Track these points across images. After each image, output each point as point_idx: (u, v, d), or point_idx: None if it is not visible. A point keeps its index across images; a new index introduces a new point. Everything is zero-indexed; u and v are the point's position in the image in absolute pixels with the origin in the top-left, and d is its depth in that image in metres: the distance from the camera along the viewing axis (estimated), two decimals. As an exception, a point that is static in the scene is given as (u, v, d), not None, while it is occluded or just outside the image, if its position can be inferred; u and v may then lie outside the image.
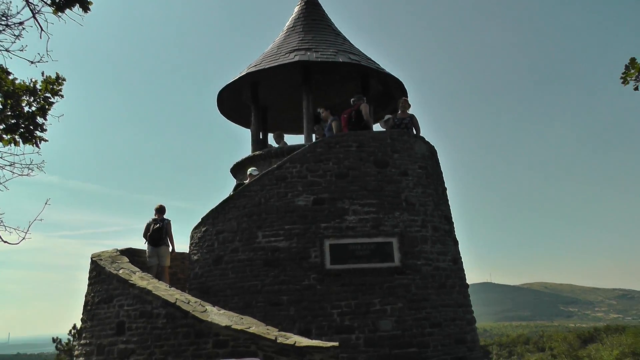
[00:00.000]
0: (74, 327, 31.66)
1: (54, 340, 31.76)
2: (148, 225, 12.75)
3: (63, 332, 34.99)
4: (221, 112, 16.28)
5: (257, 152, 14.26)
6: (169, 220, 13.05)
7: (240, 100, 15.73)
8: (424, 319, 11.15)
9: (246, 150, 15.23)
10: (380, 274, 11.15)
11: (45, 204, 7.51)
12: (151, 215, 13.14)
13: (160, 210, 13.13)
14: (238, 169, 14.81)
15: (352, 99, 13.06)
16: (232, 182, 15.44)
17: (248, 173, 12.83)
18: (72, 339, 31.26)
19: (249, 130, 15.65)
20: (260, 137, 15.48)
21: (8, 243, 6.40)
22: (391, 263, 11.30)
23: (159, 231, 12.69)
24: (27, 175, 7.91)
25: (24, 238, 7.15)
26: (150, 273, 11.52)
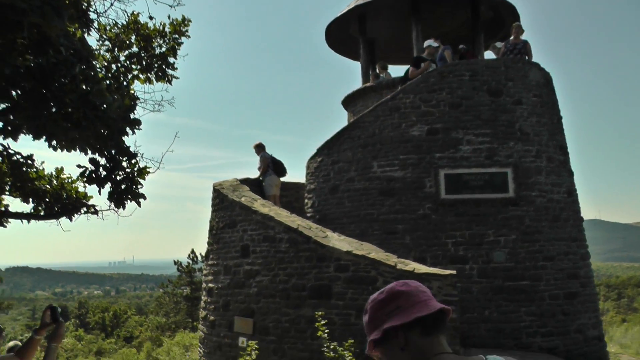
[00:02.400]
0: (192, 251, 33.96)
1: (175, 262, 34.19)
2: (268, 158, 13.20)
3: (181, 255, 37.50)
4: (329, 46, 16.32)
5: (367, 84, 14.29)
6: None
7: (348, 33, 15.66)
8: (537, 251, 11.02)
9: (356, 83, 15.30)
10: (494, 205, 11.07)
11: (175, 136, 7.94)
12: (250, 149, 13.67)
13: (259, 147, 13.60)
14: (349, 102, 14.94)
15: (460, 46, 12.96)
16: (343, 115, 15.62)
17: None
18: (190, 262, 33.63)
19: (359, 63, 15.64)
20: (370, 69, 15.45)
21: (149, 172, 6.92)
22: (505, 194, 11.18)
23: (282, 163, 13.25)
24: (158, 111, 8.37)
25: (158, 168, 7.63)
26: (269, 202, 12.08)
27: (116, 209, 7.65)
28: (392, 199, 11.36)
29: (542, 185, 11.46)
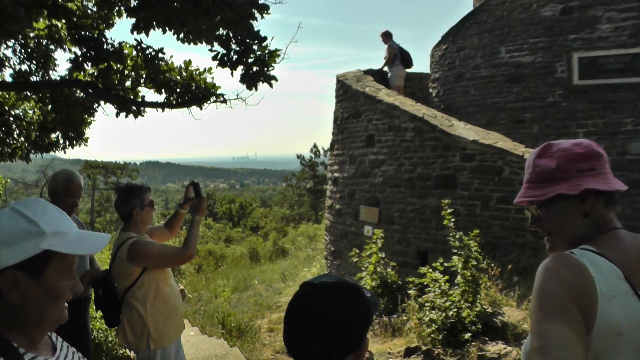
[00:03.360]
0: (314, 146, 34.90)
1: (298, 156, 35.34)
2: (395, 48, 12.77)
3: (303, 150, 38.74)
4: None
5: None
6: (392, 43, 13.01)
7: None
8: (683, 140, 10.21)
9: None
10: (634, 90, 10.22)
11: (299, 27, 7.90)
12: (378, 42, 13.25)
13: (387, 35, 13.01)
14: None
15: None
16: (466, 4, 14.85)
17: None
18: (313, 156, 34.70)
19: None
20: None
21: (279, 55, 7.06)
22: (649, 77, 10.29)
23: (409, 54, 12.85)
24: (279, 2, 8.34)
25: (282, 58, 7.69)
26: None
27: (244, 99, 7.97)
28: (520, 86, 10.87)
29: (699, 63, 10.34)
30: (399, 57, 12.73)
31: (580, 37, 10.47)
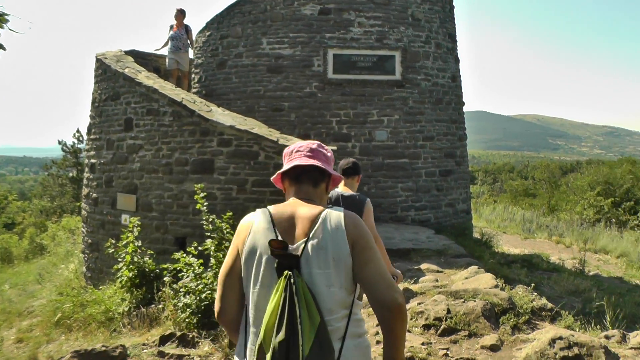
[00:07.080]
0: (78, 130, 32.42)
1: (59, 142, 32.39)
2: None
3: (66, 136, 35.95)
4: None
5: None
6: (190, 27, 12.60)
7: None
8: (417, 132, 11.61)
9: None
10: (380, 86, 11.40)
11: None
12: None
13: (183, 13, 12.43)
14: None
15: None
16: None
17: None
18: (76, 141, 32.21)
19: None
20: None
21: (6, 20, 6.45)
22: (392, 76, 11.51)
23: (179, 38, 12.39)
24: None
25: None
26: (172, 77, 11.94)
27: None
28: (280, 77, 11.44)
29: (428, 69, 11.86)
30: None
31: (335, 36, 11.40)
